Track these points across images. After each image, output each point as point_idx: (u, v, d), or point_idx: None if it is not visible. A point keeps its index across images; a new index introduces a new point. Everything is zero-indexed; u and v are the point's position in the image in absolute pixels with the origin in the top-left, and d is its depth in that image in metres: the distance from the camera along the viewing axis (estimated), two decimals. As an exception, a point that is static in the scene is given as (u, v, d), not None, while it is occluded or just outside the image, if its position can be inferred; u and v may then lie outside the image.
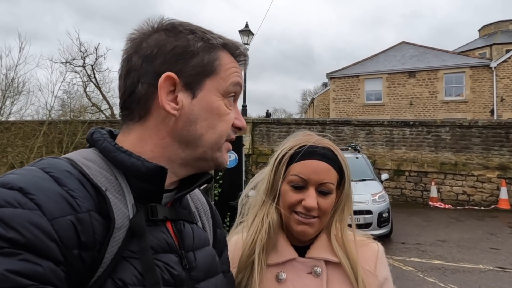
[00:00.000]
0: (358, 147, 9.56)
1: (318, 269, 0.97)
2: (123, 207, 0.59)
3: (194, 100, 0.65)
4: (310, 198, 0.94)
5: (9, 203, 0.48)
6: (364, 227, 7.14)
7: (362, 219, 7.12)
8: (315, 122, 13.61)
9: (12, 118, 12.47)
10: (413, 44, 24.37)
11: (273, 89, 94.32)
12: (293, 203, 0.96)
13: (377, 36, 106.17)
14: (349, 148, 9.63)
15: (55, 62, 12.68)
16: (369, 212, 7.14)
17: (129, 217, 0.59)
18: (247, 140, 13.12)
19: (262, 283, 0.93)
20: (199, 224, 0.77)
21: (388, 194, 9.59)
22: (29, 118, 13.63)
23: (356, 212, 7.14)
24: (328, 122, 13.36)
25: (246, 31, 14.12)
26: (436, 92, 21.02)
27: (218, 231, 0.84)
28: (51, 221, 0.49)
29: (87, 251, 0.53)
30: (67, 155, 0.63)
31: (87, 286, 0.53)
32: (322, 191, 0.95)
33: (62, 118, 14.12)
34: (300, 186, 0.95)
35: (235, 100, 0.72)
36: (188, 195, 0.78)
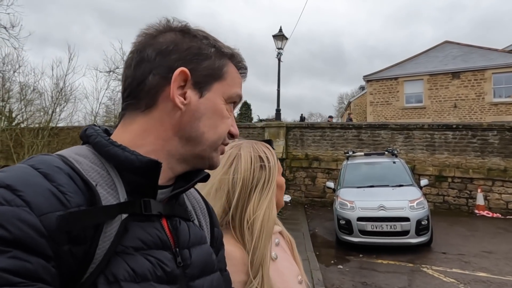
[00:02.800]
0: (396, 152, 9.20)
1: (277, 240, 1.21)
2: (114, 202, 0.59)
3: (201, 99, 0.68)
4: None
5: None
6: (401, 234, 6.85)
7: (398, 226, 6.84)
8: (350, 126, 13.29)
9: (61, 124, 13.43)
10: (457, 43, 23.05)
11: (304, 92, 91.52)
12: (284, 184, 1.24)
13: (412, 33, 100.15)
14: (386, 153, 9.30)
15: (100, 72, 13.46)
16: (406, 219, 6.83)
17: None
18: (280, 144, 13.09)
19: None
20: (196, 222, 0.77)
21: (429, 201, 9.11)
22: (76, 124, 14.59)
23: (393, 219, 6.88)
24: (364, 126, 12.99)
25: (279, 36, 14.15)
26: (484, 93, 19.70)
27: (215, 230, 0.83)
28: (40, 217, 0.49)
29: (77, 247, 0.52)
30: (59, 152, 0.63)
31: (80, 282, 0.53)
32: None
33: (107, 124, 14.93)
34: None
35: (233, 109, 0.77)
36: (184, 194, 0.78)
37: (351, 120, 19.60)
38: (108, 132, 0.70)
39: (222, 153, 0.76)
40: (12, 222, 0.47)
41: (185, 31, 0.70)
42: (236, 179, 1.07)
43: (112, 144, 0.63)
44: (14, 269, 0.45)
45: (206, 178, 0.75)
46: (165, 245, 0.63)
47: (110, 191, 0.60)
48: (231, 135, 0.75)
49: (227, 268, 0.90)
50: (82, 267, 0.53)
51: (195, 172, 0.73)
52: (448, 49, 22.68)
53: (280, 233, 1.27)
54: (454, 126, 11.89)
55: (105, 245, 0.55)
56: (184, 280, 0.64)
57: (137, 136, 0.67)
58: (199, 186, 1.09)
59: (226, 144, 0.75)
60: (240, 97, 0.76)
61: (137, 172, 0.62)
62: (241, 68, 0.77)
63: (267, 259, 1.02)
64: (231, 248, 1.00)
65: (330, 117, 20.93)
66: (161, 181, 0.66)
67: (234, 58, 0.75)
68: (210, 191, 1.07)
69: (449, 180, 11.48)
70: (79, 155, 0.62)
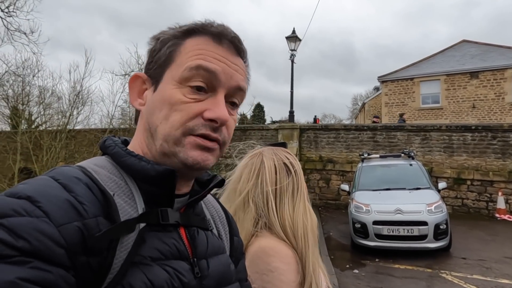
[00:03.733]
0: (412, 154, 9.00)
1: None
2: (132, 211, 0.59)
3: (155, 93, 0.66)
4: None
5: (16, 211, 0.49)
6: (419, 239, 6.68)
7: (416, 230, 6.67)
8: (365, 128, 13.10)
9: (78, 127, 13.70)
10: (475, 42, 22.51)
11: (315, 93, 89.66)
12: None
13: (425, 30, 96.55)
14: (402, 155, 9.11)
15: (116, 75, 13.70)
16: (424, 223, 6.66)
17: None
18: (294, 146, 13.01)
19: None
20: (214, 231, 0.76)
21: (447, 205, 8.87)
22: (93, 127, 14.86)
23: (410, 223, 6.72)
24: (379, 128, 12.77)
25: (293, 37, 14.10)
26: (504, 93, 19.13)
27: (235, 239, 0.82)
28: (58, 227, 0.50)
29: (95, 257, 0.53)
30: (79, 163, 0.64)
31: None
32: None
33: (122, 126, 15.12)
34: None
35: (210, 89, 0.64)
36: (202, 203, 0.77)
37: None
38: (127, 142, 0.71)
39: (202, 147, 0.63)
40: (32, 233, 0.48)
41: (156, 38, 0.69)
42: (265, 190, 1.05)
43: (129, 154, 0.64)
44: (35, 280, 0.46)
45: (221, 183, 0.74)
46: (182, 255, 0.63)
47: (128, 201, 0.60)
48: (212, 121, 0.62)
49: (279, 265, 0.89)
50: (100, 277, 0.53)
51: (211, 179, 0.73)
52: (465, 48, 22.17)
53: None
54: (473, 127, 11.57)
55: (122, 255, 0.55)
56: None
57: (133, 145, 0.70)
58: (227, 200, 1.07)
59: (204, 135, 0.62)
60: (204, 70, 0.62)
61: (153, 182, 0.62)
62: (207, 34, 0.65)
63: (317, 266, 0.98)
64: (281, 246, 0.96)
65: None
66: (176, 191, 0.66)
67: (196, 31, 0.65)
68: (240, 205, 1.05)
69: (468, 182, 11.17)
70: (97, 166, 0.63)
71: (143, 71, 0.70)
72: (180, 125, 0.62)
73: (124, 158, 0.64)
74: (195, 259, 0.65)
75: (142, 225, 0.58)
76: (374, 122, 15.82)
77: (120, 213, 0.57)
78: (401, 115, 17.49)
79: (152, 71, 0.67)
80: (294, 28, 14.16)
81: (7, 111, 14.38)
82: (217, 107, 0.62)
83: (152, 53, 0.68)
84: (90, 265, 0.52)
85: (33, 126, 13.86)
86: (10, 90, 13.66)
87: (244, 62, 0.70)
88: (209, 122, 0.62)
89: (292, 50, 14.18)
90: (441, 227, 6.68)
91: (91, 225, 0.53)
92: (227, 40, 0.66)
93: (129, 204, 0.59)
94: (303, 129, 13.55)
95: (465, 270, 6.03)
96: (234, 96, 0.67)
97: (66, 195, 0.53)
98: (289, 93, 14.26)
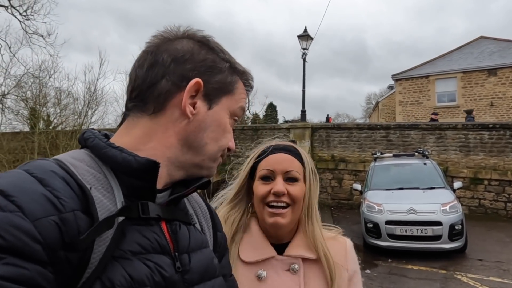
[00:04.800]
0: (426, 153, 8.81)
1: (296, 266, 1.02)
2: (110, 205, 0.57)
3: (209, 111, 0.69)
4: (278, 184, 1.03)
5: None
6: (433, 239, 6.55)
7: (430, 230, 6.53)
8: (378, 127, 12.91)
9: (92, 127, 13.97)
10: (494, 39, 21.86)
11: (327, 91, 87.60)
12: (264, 194, 1.04)
13: (441, 26, 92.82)
14: (416, 154, 8.94)
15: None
16: (438, 223, 6.52)
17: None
18: (306, 146, 12.94)
19: (242, 282, 0.93)
20: (197, 226, 0.75)
21: (464, 205, 8.65)
22: (108, 127, 15.14)
23: (423, 223, 6.59)
24: (392, 127, 12.56)
25: (304, 36, 14.01)
26: (523, 90, 18.57)
27: (219, 234, 0.81)
28: (34, 222, 0.48)
29: (73, 252, 0.51)
30: (55, 156, 0.62)
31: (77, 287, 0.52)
32: (289, 178, 1.05)
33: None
34: (268, 177, 1.05)
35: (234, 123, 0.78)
36: (185, 198, 0.76)
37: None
38: (107, 136, 0.69)
39: (220, 164, 0.76)
40: (5, 228, 0.46)
41: (204, 42, 0.71)
42: None
43: (110, 146, 0.63)
44: (10, 276, 0.44)
45: (206, 184, 0.73)
46: (164, 250, 0.62)
47: (106, 194, 0.58)
48: (228, 149, 0.76)
49: None
50: (78, 272, 0.52)
51: (196, 179, 0.73)
52: (483, 44, 21.57)
53: (316, 260, 1.06)
54: (491, 125, 11.25)
55: (100, 249, 0.54)
56: (182, 285, 0.63)
57: (138, 140, 0.66)
58: None
59: (223, 157, 0.76)
60: (243, 112, 0.79)
61: (135, 174, 0.61)
62: (248, 86, 0.79)
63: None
64: None
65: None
66: (159, 185, 0.65)
67: (245, 75, 0.77)
68: None
69: (486, 182, 10.86)
70: (75, 159, 0.62)
71: (191, 70, 0.67)
72: (223, 149, 0.74)
73: (105, 150, 0.62)
74: (177, 254, 0.64)
75: (121, 218, 0.57)
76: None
77: (97, 207, 0.56)
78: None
79: (211, 87, 0.69)
80: (305, 27, 14.08)
81: (26, 112, 14.80)
82: (233, 139, 0.77)
83: (214, 67, 0.70)
84: (70, 261, 0.51)
85: (50, 127, 14.21)
86: (28, 92, 14.07)
87: None
88: (226, 148, 0.75)
89: (303, 49, 14.09)
90: (456, 227, 6.52)
91: (69, 220, 0.52)
92: (249, 91, 0.81)
93: (107, 197, 0.58)
94: (315, 128, 13.46)
95: (482, 272, 5.87)
96: None
97: (42, 189, 0.52)
98: (301, 92, 14.21)
